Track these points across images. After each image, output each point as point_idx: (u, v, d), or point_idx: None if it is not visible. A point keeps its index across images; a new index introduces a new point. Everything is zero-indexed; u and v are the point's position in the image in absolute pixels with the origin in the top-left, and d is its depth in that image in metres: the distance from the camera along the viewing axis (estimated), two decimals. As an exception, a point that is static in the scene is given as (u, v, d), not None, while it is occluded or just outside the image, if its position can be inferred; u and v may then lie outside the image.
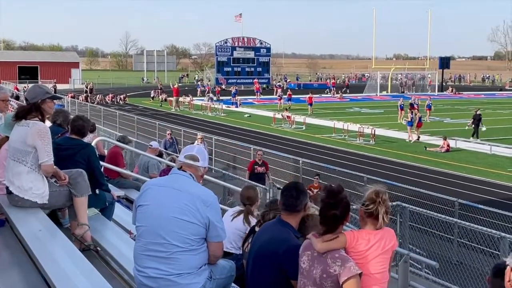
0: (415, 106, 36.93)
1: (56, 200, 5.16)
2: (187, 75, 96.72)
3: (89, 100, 49.96)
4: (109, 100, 52.67)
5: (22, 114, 5.04)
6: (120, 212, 6.78)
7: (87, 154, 5.70)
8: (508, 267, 2.88)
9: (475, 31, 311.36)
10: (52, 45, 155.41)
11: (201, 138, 19.49)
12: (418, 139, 29.16)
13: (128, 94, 55.98)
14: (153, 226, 3.75)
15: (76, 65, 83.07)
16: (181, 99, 48.11)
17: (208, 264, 3.91)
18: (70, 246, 4.45)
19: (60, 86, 63.60)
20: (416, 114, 30.02)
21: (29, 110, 5.05)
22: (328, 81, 75.43)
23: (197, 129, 29.19)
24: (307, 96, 44.44)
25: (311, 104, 43.00)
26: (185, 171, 3.94)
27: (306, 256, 3.67)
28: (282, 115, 36.21)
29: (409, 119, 29.89)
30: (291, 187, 4.17)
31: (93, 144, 10.24)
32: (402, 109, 37.16)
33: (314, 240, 3.61)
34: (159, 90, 54.92)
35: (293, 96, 48.72)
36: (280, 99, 46.15)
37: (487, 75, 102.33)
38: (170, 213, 3.73)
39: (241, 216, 6.13)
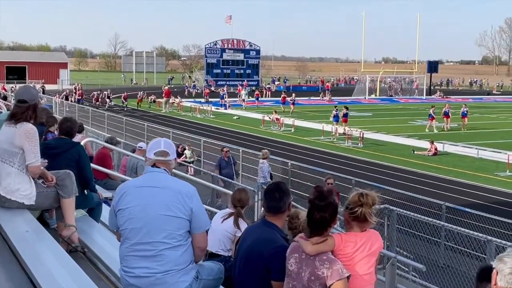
0: (449, 115, 35.39)
1: (43, 201, 5.13)
2: (187, 76, 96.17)
3: (74, 100, 49.66)
4: (95, 101, 50.81)
5: (20, 115, 4.97)
6: (107, 213, 6.74)
7: (77, 152, 5.72)
8: (494, 270, 2.89)
9: (463, 35, 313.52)
10: (40, 45, 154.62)
11: (267, 158, 16.71)
12: (344, 134, 30.62)
13: (116, 96, 55.49)
14: (140, 226, 3.75)
15: (64, 65, 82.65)
16: (170, 100, 48.10)
17: (196, 263, 3.93)
18: (57, 248, 4.43)
19: (48, 87, 63.30)
20: (341, 110, 32.92)
21: (27, 111, 4.99)
22: (328, 84, 75.85)
23: (186, 131, 29.15)
24: (281, 96, 48.19)
25: (284, 103, 45.97)
26: (159, 167, 3.96)
27: (293, 258, 3.67)
28: (270, 117, 36.26)
29: (334, 116, 32.72)
30: (274, 189, 4.17)
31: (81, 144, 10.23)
32: (433, 118, 34.58)
33: (303, 242, 3.62)
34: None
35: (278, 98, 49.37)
36: (292, 103, 45.33)
37: (475, 80, 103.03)
38: (155, 211, 3.74)
39: (231, 218, 6.13)
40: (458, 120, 36.51)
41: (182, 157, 20.98)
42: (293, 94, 47.99)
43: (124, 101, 48.79)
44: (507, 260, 2.79)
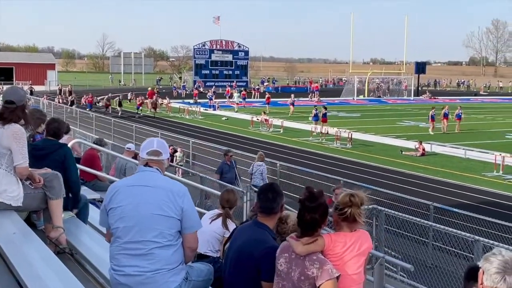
0: (447, 116, 34.71)
1: (31, 202, 5.10)
2: (176, 77, 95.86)
3: (68, 102, 48.58)
4: (105, 107, 46.21)
5: (7, 116, 4.92)
6: (95, 215, 6.72)
7: (63, 153, 5.69)
8: (480, 269, 2.91)
9: (450, 36, 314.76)
10: (28, 46, 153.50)
11: (263, 159, 16.35)
12: (321, 132, 31.41)
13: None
14: (131, 225, 3.76)
15: (52, 66, 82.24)
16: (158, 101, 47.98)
17: (185, 264, 3.94)
18: (45, 249, 4.41)
19: (35, 88, 62.96)
20: (320, 111, 34.26)
21: (15, 112, 4.95)
22: (317, 84, 76.10)
23: (174, 132, 29.10)
24: (266, 97, 49.08)
25: (268, 104, 46.77)
26: (152, 167, 3.97)
27: (283, 258, 3.68)
28: (258, 118, 36.32)
29: (314, 115, 34.20)
30: (268, 190, 4.16)
31: (68, 146, 10.18)
32: (433, 119, 34.24)
33: (294, 242, 3.62)
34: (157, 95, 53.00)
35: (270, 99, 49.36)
36: (292, 105, 44.72)
37: (462, 80, 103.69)
38: (147, 210, 3.75)
39: (220, 219, 6.13)
40: (452, 122, 36.41)
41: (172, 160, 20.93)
42: (292, 95, 47.86)
43: (138, 107, 44.36)
44: (493, 259, 2.81)
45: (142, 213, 3.75)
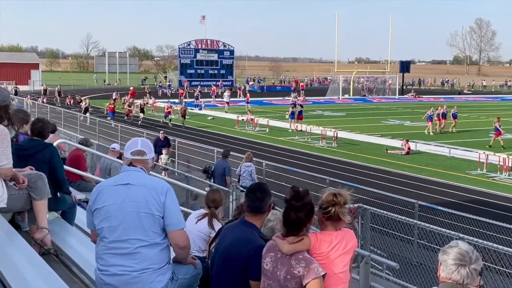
0: (444, 116, 34.53)
1: (15, 203, 5.06)
2: (161, 77, 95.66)
3: (57, 103, 47.62)
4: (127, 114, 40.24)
5: None
6: (81, 215, 6.69)
7: (49, 152, 5.67)
8: (439, 262, 2.99)
9: (434, 35, 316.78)
10: (11, 45, 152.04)
11: (251, 160, 16.42)
12: (299, 129, 32.61)
13: (90, 96, 54.77)
14: (116, 224, 3.76)
15: (35, 66, 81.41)
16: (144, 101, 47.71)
17: (173, 263, 3.96)
18: (30, 250, 4.39)
19: (19, 88, 62.42)
20: (297, 109, 36.47)
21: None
22: (303, 83, 76.23)
23: (160, 132, 28.95)
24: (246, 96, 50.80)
25: (248, 103, 47.05)
26: (136, 166, 3.98)
27: (269, 257, 3.68)
28: (244, 118, 36.33)
29: (290, 113, 36.10)
30: (256, 189, 4.17)
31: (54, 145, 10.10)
32: (431, 120, 34.08)
33: (280, 242, 3.63)
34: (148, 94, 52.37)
35: (256, 98, 49.50)
36: (293, 106, 42.66)
37: (446, 79, 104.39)
38: (131, 208, 3.76)
39: (206, 219, 6.11)
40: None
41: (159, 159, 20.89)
42: (293, 95, 47.91)
43: (166, 115, 38.34)
44: (450, 251, 2.90)
45: (126, 212, 3.76)
